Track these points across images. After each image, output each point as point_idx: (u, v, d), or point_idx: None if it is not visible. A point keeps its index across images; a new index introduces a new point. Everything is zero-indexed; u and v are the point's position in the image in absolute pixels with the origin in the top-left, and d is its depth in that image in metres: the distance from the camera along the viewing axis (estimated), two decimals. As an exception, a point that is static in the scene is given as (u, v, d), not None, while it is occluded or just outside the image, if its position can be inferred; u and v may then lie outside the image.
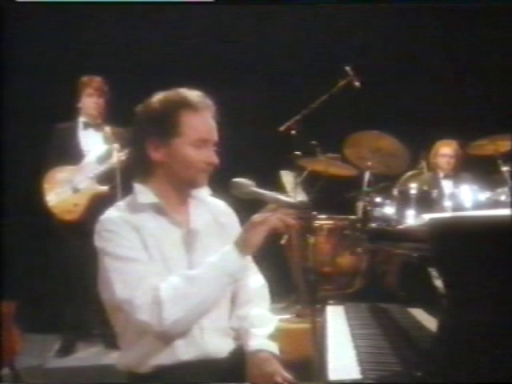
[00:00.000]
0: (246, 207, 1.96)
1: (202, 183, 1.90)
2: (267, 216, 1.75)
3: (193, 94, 1.84)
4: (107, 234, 1.81)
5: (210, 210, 1.99)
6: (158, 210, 1.87)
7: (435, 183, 4.69)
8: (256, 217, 1.77)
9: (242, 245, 1.75)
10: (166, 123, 1.81)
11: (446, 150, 4.92)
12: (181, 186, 1.89)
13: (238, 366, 1.86)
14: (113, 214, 1.87)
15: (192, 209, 1.94)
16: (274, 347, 1.90)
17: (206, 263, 1.78)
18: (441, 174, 4.90)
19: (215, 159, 1.86)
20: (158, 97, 1.86)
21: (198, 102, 1.83)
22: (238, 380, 1.82)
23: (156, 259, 1.81)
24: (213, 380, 1.81)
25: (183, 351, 1.82)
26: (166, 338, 1.79)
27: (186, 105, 1.82)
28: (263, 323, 1.96)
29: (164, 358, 1.81)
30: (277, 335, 1.96)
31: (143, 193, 1.87)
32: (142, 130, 1.85)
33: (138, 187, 1.89)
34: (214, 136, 1.87)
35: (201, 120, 1.84)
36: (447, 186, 4.76)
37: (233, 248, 1.76)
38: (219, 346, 1.89)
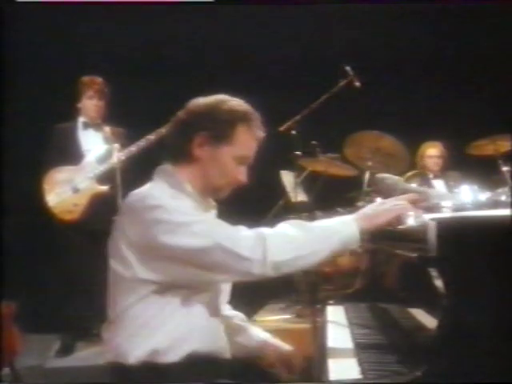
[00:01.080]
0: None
1: (223, 195, 1.91)
2: (400, 202, 1.74)
3: (254, 113, 1.88)
4: (168, 199, 1.76)
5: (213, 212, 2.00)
6: (196, 198, 1.85)
7: (426, 184, 4.75)
8: (388, 199, 1.77)
9: (363, 218, 1.71)
10: (224, 127, 1.83)
11: (432, 152, 5.06)
12: (205, 190, 1.88)
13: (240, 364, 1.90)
14: (163, 190, 1.81)
15: (207, 207, 1.93)
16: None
17: (322, 223, 1.75)
18: (430, 175, 5.02)
19: (245, 179, 1.88)
20: (223, 100, 1.87)
21: (256, 121, 1.87)
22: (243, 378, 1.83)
23: None
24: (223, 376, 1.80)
25: (206, 341, 1.80)
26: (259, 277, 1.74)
27: (247, 120, 1.85)
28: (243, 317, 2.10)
29: (196, 344, 1.77)
30: None
31: (186, 183, 1.85)
32: (196, 122, 1.84)
33: (180, 176, 1.85)
34: (252, 158, 1.90)
35: (252, 139, 1.87)
36: (439, 185, 4.86)
37: (353, 218, 1.72)
38: (226, 341, 1.91)
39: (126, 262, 1.76)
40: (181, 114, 1.89)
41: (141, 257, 1.74)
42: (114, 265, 1.80)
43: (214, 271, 1.72)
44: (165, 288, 1.75)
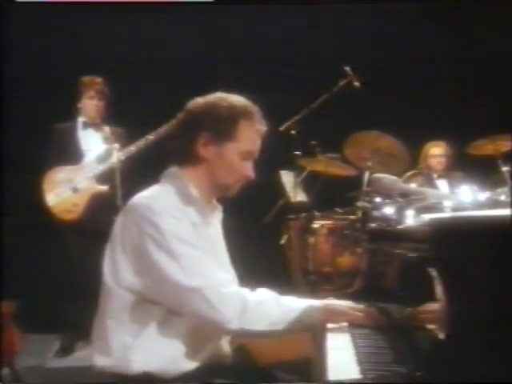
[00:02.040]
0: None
1: (233, 192, 1.90)
2: (359, 314, 1.85)
3: (255, 108, 1.87)
4: (169, 218, 1.73)
5: (217, 213, 1.99)
6: (200, 205, 1.85)
7: (430, 184, 4.73)
8: (356, 307, 1.88)
9: (328, 314, 1.82)
10: (225, 125, 1.82)
11: (435, 151, 5.05)
12: (214, 188, 1.88)
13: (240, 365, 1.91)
14: (169, 198, 1.80)
15: (211, 210, 1.94)
16: None
17: (293, 305, 1.80)
18: (434, 175, 5.00)
19: (253, 174, 1.89)
20: (222, 98, 1.86)
21: (257, 115, 1.86)
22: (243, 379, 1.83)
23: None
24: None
25: (204, 353, 1.81)
26: (222, 333, 1.79)
27: (248, 115, 1.84)
28: None
29: (192, 359, 1.78)
30: None
31: (192, 186, 1.84)
32: (198, 122, 1.83)
33: (187, 178, 1.85)
34: (257, 153, 1.90)
35: (255, 134, 1.87)
36: (442, 185, 4.85)
37: (320, 311, 1.81)
38: (227, 346, 1.93)
39: (115, 265, 1.76)
40: (181, 115, 1.88)
41: (131, 263, 1.73)
42: (104, 268, 1.79)
43: (185, 311, 1.71)
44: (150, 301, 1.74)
